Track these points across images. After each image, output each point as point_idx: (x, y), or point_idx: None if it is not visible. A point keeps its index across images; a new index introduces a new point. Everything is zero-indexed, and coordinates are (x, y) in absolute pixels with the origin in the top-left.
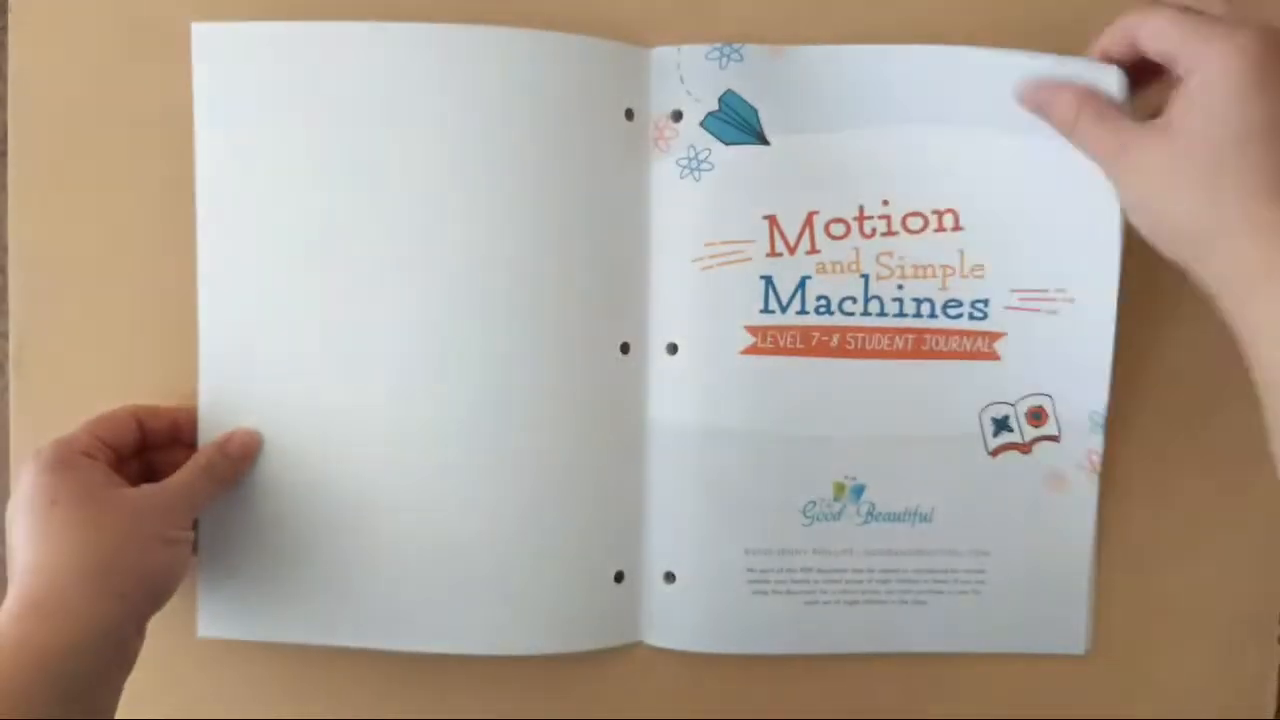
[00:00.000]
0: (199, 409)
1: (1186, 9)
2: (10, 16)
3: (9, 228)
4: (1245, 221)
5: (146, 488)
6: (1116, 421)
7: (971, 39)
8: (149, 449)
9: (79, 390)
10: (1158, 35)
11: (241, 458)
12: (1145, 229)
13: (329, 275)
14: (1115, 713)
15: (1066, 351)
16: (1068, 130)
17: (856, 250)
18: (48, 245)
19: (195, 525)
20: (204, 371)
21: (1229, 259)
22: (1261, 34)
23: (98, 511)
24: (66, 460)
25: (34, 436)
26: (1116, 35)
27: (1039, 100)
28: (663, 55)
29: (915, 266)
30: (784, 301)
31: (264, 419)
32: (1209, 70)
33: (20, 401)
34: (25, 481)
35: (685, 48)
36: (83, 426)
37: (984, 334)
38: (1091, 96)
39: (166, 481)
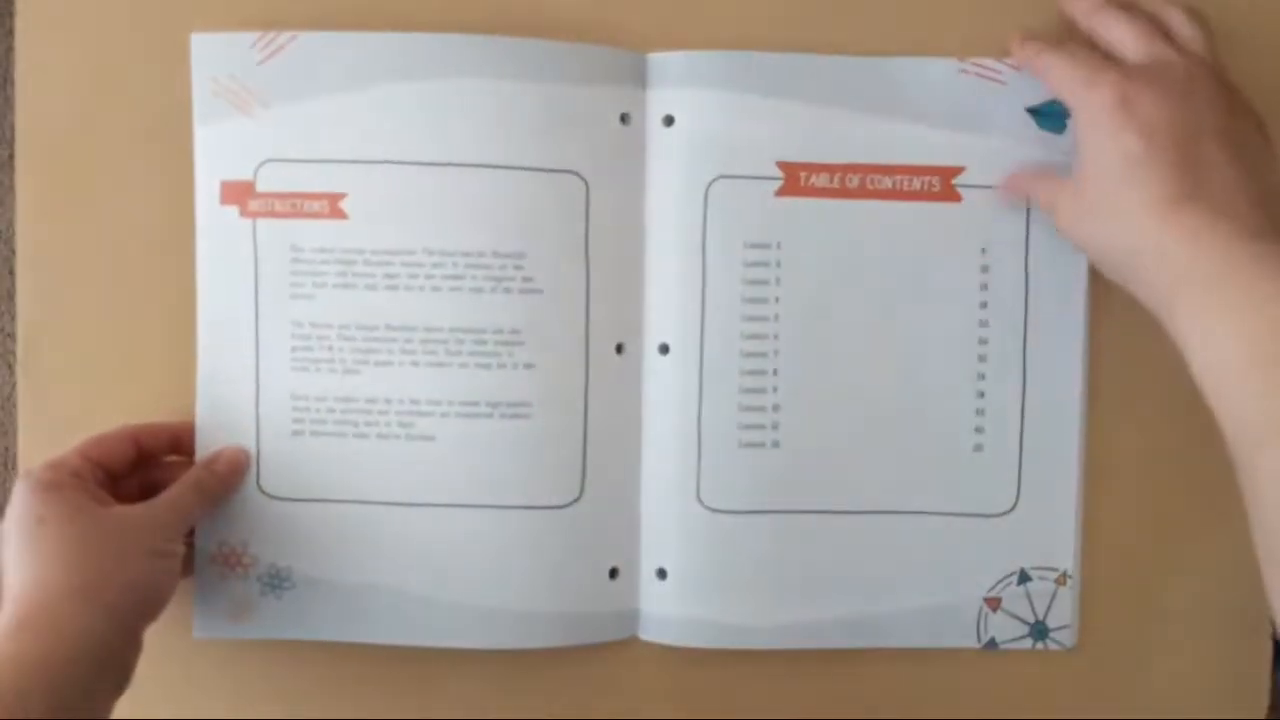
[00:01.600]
0: (196, 423)
1: (1078, 51)
2: (17, 20)
3: (17, 230)
4: (1151, 238)
5: (134, 505)
6: (1105, 418)
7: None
8: (149, 466)
9: (86, 391)
10: (1051, 77)
11: (229, 475)
12: (1092, 262)
13: None
14: (1106, 711)
15: None
16: (1035, 204)
17: None
18: (55, 247)
19: (191, 541)
20: (201, 382)
21: (1150, 276)
22: (1126, 71)
23: (85, 528)
24: (55, 481)
25: (42, 436)
26: (1030, 67)
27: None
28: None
29: None
30: None
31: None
32: (1083, 113)
33: (28, 401)
34: (15, 501)
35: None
36: (75, 448)
37: None
38: (1035, 167)
39: (155, 499)
